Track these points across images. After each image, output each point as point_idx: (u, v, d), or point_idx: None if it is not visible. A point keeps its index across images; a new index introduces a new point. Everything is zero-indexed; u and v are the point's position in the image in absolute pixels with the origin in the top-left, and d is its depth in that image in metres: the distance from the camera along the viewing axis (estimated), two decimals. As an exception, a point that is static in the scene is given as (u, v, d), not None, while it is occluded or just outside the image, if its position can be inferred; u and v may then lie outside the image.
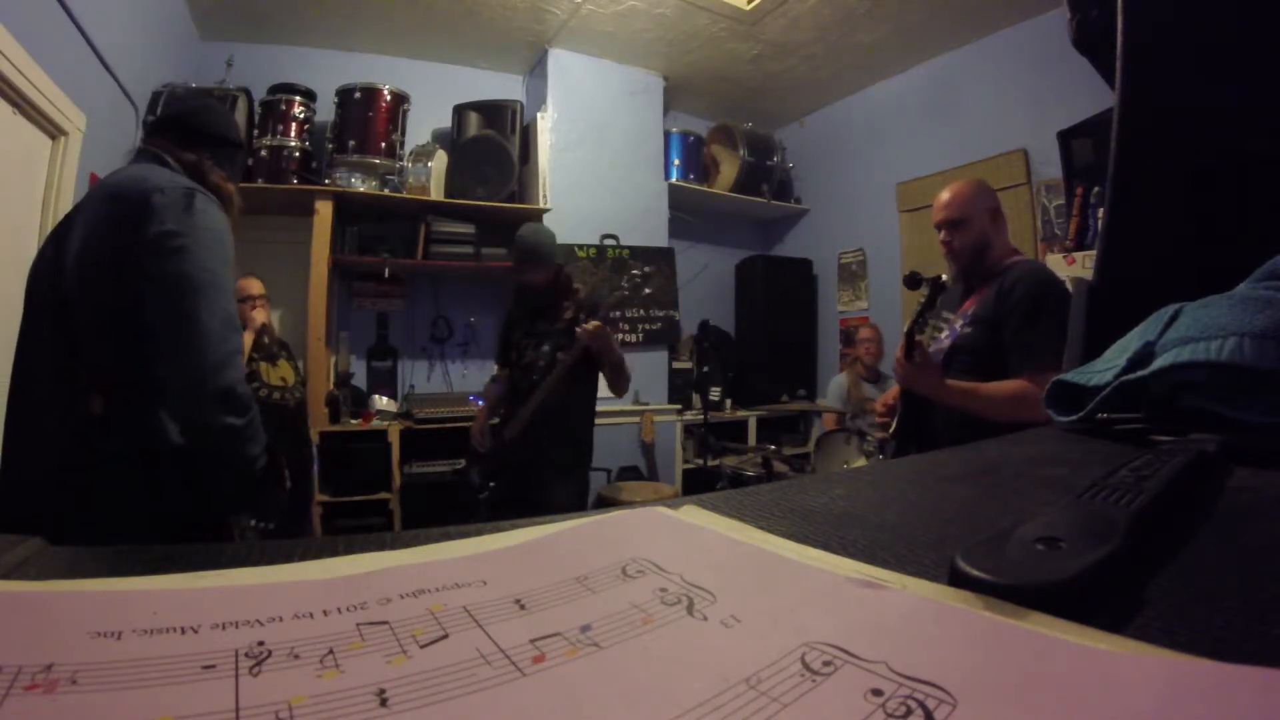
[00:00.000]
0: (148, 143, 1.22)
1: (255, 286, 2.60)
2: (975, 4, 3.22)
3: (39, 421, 1.09)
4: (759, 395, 4.28)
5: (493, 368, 2.63)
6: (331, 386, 3.19)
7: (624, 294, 3.89)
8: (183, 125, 1.25)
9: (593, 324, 2.06)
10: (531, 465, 2.15)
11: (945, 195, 1.63)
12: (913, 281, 1.48)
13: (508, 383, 2.36)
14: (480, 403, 2.53)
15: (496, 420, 2.33)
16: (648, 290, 3.97)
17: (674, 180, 4.15)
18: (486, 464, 2.24)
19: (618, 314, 3.86)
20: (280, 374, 2.61)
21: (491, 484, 2.20)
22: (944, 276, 1.46)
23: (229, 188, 1.26)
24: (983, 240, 1.58)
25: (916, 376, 1.47)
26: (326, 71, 3.41)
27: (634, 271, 3.94)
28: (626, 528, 0.27)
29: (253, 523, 1.44)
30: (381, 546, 0.25)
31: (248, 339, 2.48)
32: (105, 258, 1.05)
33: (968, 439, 0.52)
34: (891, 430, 1.64)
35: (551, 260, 2.22)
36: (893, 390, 1.72)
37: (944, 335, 1.58)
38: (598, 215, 3.84)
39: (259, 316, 2.58)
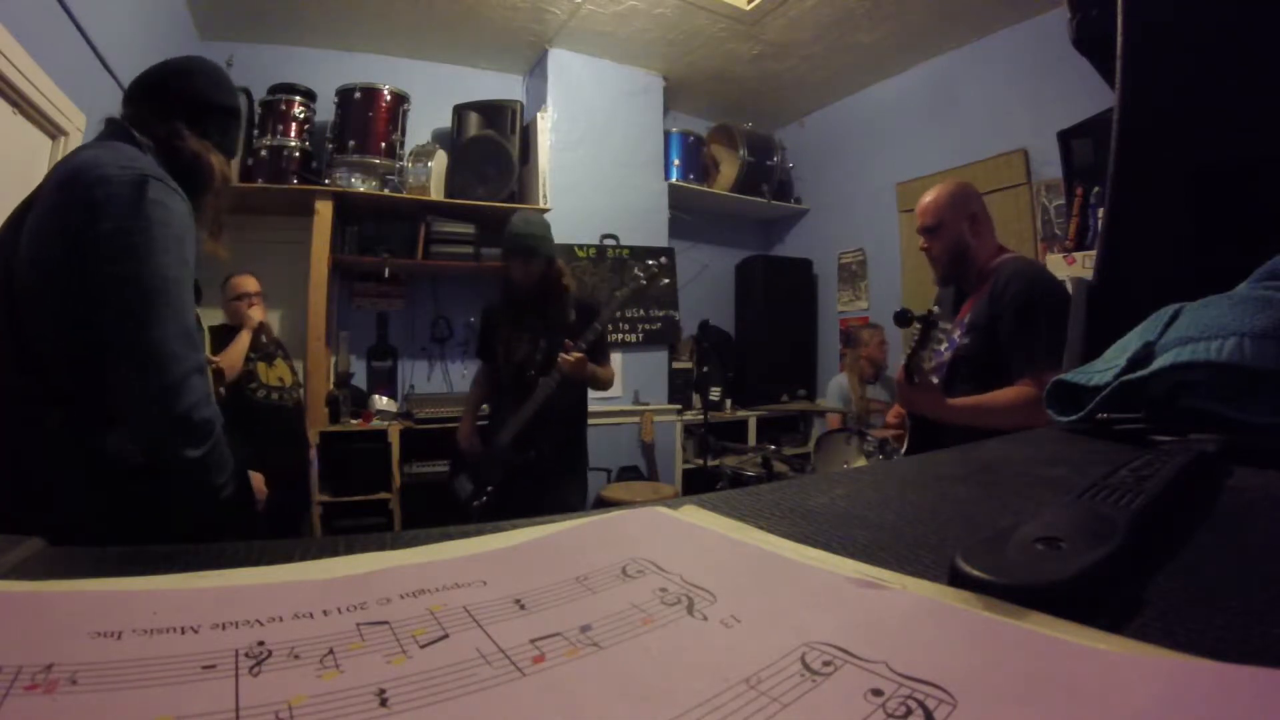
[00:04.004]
0: (122, 113, 1.07)
1: (251, 284, 2.54)
2: (975, 4, 3.22)
3: (2, 435, 0.96)
4: (759, 395, 4.28)
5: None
6: (331, 386, 3.18)
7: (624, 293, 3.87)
8: (157, 90, 1.08)
9: (574, 355, 1.96)
10: (531, 470, 2.05)
11: (924, 200, 1.61)
12: (902, 319, 1.45)
13: (491, 381, 2.24)
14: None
15: (484, 422, 2.23)
16: (648, 290, 3.96)
17: (674, 180, 4.15)
18: (479, 470, 2.13)
19: (616, 312, 3.84)
20: (278, 374, 2.56)
21: (489, 488, 2.09)
22: (934, 309, 1.44)
23: (210, 159, 1.09)
24: (959, 246, 1.56)
25: (918, 399, 1.45)
26: (326, 71, 3.40)
27: (637, 270, 3.91)
28: (626, 528, 0.27)
29: None
30: (381, 546, 0.25)
31: (244, 338, 2.43)
32: (51, 258, 0.91)
33: None
34: (904, 450, 1.63)
35: (544, 254, 2.04)
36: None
37: (943, 347, 1.57)
38: (598, 215, 3.84)
39: (256, 314, 2.50)
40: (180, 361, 0.93)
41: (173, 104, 1.07)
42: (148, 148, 1.02)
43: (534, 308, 2.10)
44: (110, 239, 0.90)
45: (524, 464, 2.05)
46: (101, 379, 0.91)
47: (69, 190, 0.93)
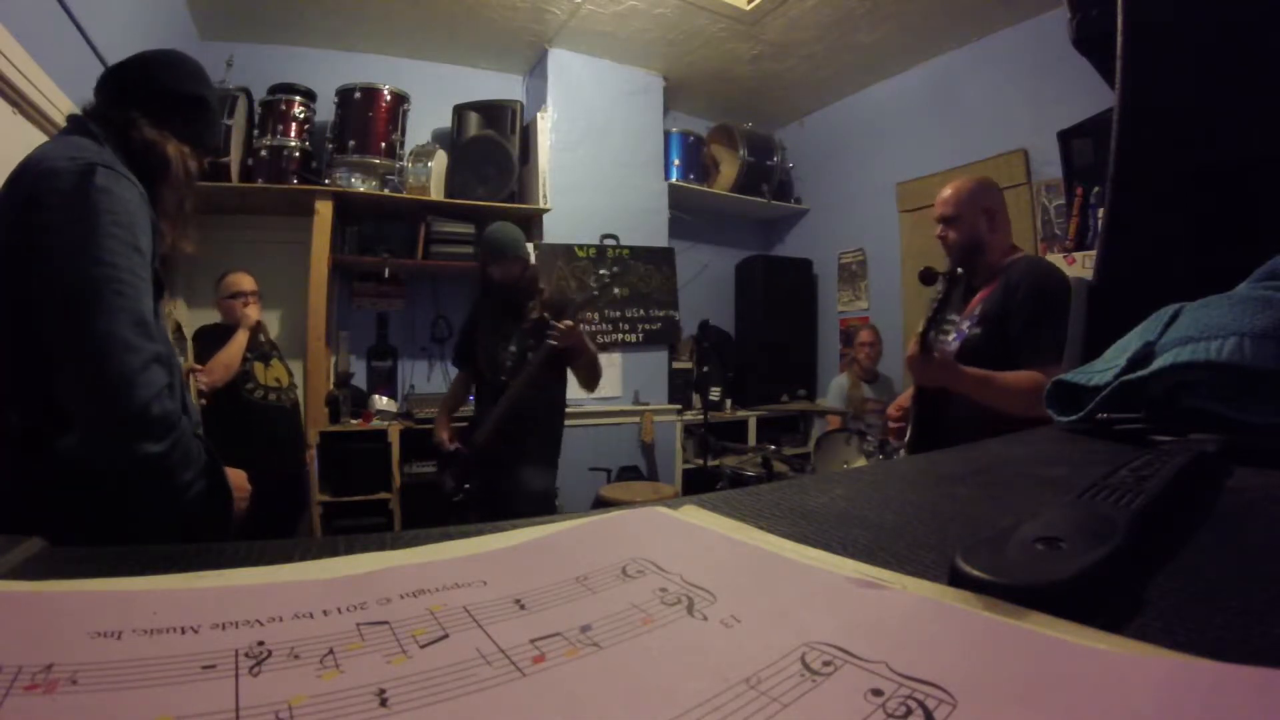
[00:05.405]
0: (85, 106, 1.06)
1: (246, 282, 2.52)
2: (975, 4, 3.22)
3: None
4: (759, 395, 4.28)
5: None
6: (331, 386, 3.18)
7: (624, 293, 3.88)
8: (117, 80, 1.07)
9: (565, 323, 2.05)
10: (502, 464, 2.15)
11: (946, 191, 1.67)
12: (928, 277, 1.47)
13: (469, 383, 2.37)
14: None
15: (464, 423, 2.33)
16: (648, 289, 3.97)
17: (674, 180, 4.14)
18: (458, 467, 2.24)
19: (616, 312, 3.85)
20: (274, 374, 2.55)
21: (466, 486, 2.20)
22: (960, 269, 1.45)
23: (167, 149, 1.06)
24: (975, 239, 1.59)
25: (933, 371, 1.46)
26: (326, 71, 3.40)
27: (622, 267, 3.91)
28: (626, 528, 0.27)
29: None
30: (381, 546, 0.25)
31: (241, 337, 2.42)
32: (1, 255, 0.90)
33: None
34: (906, 440, 1.63)
35: (519, 256, 2.21)
36: (904, 395, 1.71)
37: (951, 338, 1.58)
38: (598, 215, 3.83)
39: (252, 313, 2.49)
40: (135, 350, 0.88)
41: (130, 93, 1.05)
42: (102, 138, 1.00)
43: (509, 309, 2.22)
44: (54, 229, 0.87)
45: (496, 461, 2.16)
46: (50, 379, 0.87)
47: (16, 185, 0.91)
